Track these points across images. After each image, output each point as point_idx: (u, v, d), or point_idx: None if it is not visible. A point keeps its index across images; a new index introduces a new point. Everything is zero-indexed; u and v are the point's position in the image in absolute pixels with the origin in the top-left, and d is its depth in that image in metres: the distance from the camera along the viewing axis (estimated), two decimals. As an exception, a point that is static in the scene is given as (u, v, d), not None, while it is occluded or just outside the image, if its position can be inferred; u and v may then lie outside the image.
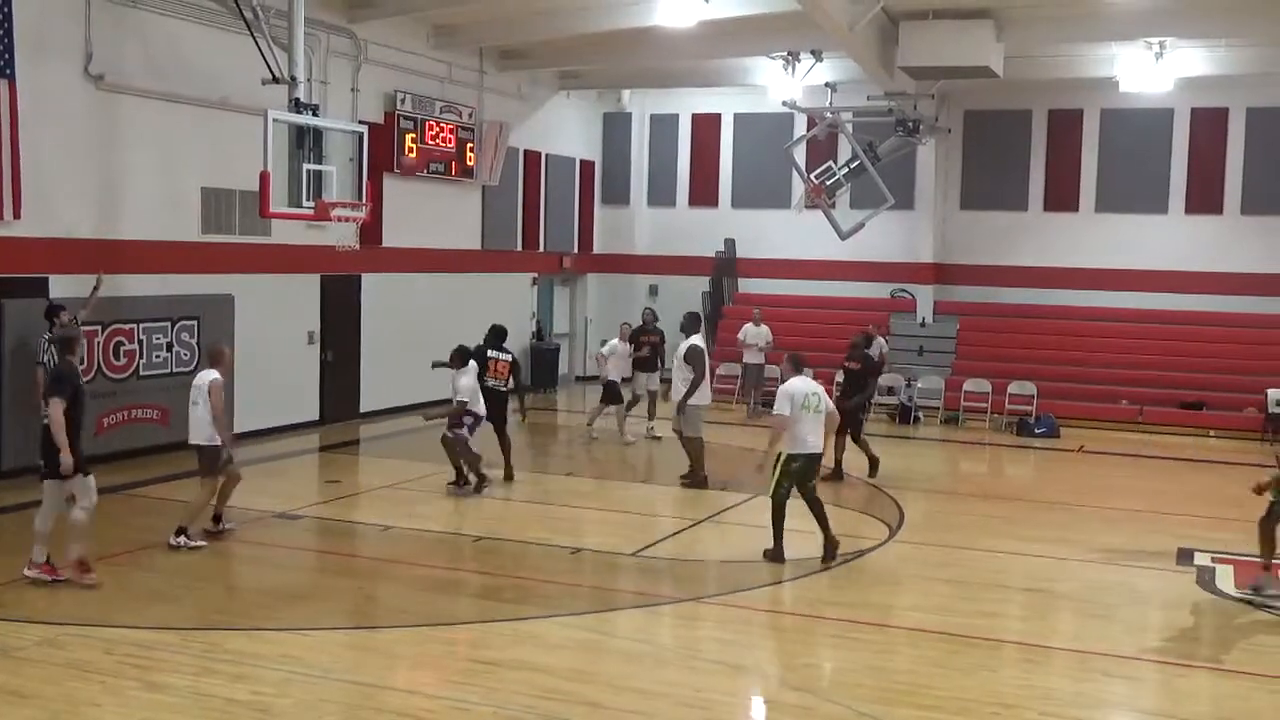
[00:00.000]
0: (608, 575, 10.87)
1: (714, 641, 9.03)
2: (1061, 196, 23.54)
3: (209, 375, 10.97)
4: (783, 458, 10.80)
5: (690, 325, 14.67)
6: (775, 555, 10.91)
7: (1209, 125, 22.50)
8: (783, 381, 11.23)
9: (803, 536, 12.41)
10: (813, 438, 10.82)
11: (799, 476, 10.83)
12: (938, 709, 7.47)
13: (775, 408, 10.83)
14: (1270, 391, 19.88)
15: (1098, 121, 23.20)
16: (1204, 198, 22.64)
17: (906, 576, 10.86)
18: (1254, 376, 20.64)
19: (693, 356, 14.03)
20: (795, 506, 13.54)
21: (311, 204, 13.91)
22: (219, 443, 10.94)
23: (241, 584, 10.42)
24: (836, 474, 14.90)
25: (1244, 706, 7.82)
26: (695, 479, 14.37)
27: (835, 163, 21.85)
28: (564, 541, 11.67)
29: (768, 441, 10.95)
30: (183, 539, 10.79)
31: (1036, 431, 19.96)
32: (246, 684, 7.51)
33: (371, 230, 17.54)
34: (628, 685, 7.73)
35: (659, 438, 17.61)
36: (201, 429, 10.94)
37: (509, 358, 14.28)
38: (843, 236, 21.46)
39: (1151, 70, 19.41)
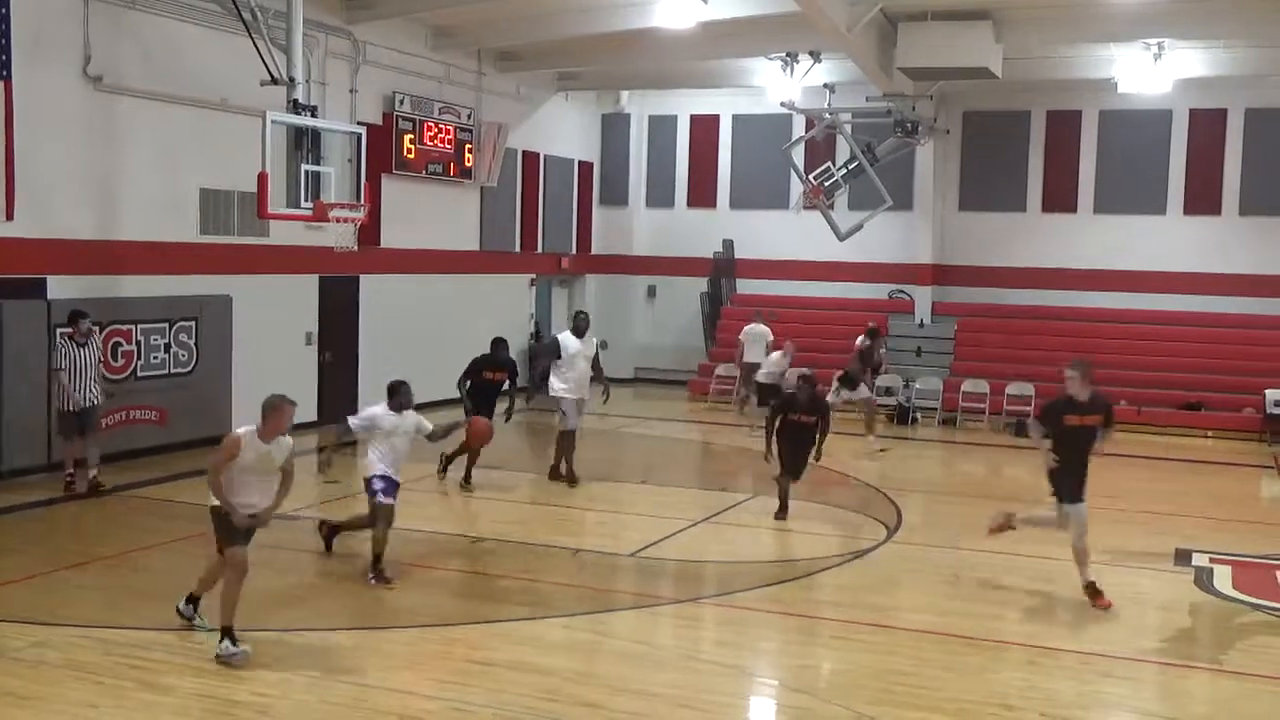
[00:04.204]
0: (607, 576, 10.85)
1: (713, 643, 9.04)
2: (1060, 197, 23.54)
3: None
4: None
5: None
6: None
7: (1207, 126, 22.51)
8: None
9: (800, 536, 12.41)
10: None
11: None
12: (938, 710, 7.46)
13: None
14: (1268, 392, 19.86)
15: (1096, 122, 23.21)
16: (1202, 199, 22.65)
17: (906, 577, 10.84)
18: (1252, 377, 20.63)
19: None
20: (801, 507, 13.46)
21: (310, 205, 13.91)
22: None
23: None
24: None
25: (1244, 707, 7.81)
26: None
27: (834, 164, 21.85)
28: (563, 542, 11.67)
29: None
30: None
31: (1035, 433, 19.93)
32: (246, 685, 7.50)
33: (370, 231, 17.52)
34: (627, 686, 7.72)
35: None
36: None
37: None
38: (841, 237, 21.48)
39: (1150, 71, 19.43)
